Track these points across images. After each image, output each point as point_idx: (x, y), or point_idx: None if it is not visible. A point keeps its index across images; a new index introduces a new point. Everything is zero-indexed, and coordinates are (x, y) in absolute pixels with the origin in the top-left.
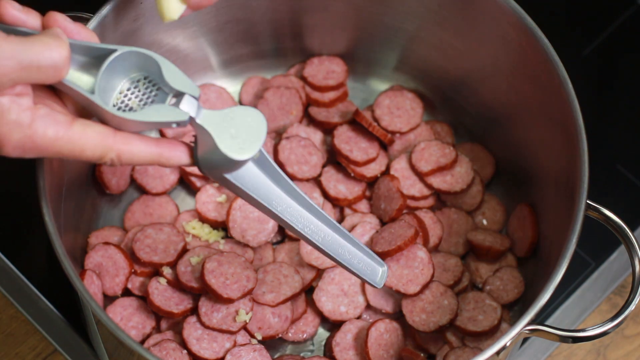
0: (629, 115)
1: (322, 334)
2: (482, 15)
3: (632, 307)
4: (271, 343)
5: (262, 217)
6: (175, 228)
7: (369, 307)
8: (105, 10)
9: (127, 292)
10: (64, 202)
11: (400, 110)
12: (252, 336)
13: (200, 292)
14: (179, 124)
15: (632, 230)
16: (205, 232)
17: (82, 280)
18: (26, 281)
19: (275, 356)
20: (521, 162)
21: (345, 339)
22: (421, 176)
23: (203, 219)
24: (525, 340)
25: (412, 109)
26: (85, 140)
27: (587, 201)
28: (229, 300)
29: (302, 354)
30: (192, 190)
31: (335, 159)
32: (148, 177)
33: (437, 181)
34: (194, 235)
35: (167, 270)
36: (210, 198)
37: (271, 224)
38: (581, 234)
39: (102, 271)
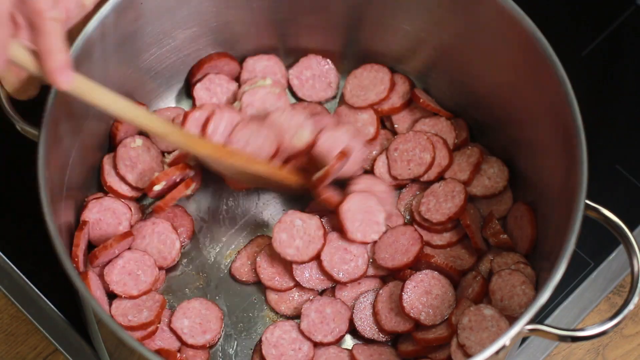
0: (629, 115)
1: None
2: (482, 15)
3: (630, 306)
4: None
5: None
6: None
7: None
8: (105, 10)
9: None
10: (64, 202)
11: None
12: None
13: None
14: None
15: (631, 230)
16: None
17: (82, 280)
18: (27, 281)
19: None
20: (521, 162)
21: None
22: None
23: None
24: (524, 339)
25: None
26: None
27: (586, 201)
28: None
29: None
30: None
31: None
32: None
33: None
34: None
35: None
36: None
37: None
38: (580, 234)
39: (102, 224)
